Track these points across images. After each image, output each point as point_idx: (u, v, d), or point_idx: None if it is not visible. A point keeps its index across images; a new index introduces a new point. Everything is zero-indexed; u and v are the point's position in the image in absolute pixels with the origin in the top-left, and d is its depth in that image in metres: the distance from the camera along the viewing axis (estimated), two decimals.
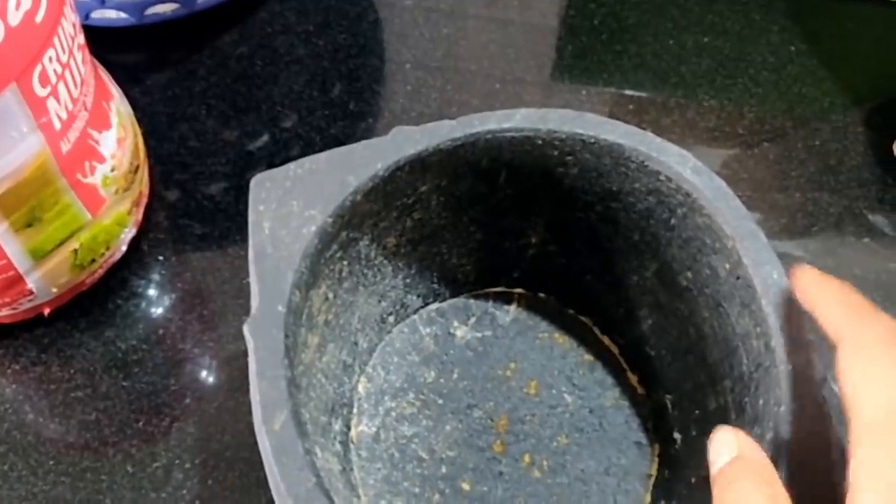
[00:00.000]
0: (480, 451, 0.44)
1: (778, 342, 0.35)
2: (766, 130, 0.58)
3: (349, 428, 0.44)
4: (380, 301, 0.45)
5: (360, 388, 0.45)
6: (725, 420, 0.39)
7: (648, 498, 0.43)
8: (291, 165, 0.38)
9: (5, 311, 0.46)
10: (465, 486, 0.43)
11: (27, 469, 0.45)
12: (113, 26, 0.56)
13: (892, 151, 0.56)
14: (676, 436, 0.43)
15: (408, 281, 0.46)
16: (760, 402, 0.36)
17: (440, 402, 0.45)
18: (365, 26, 0.61)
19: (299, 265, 0.36)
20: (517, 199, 0.44)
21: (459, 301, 0.48)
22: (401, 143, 0.39)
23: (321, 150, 0.55)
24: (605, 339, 0.47)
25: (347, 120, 0.57)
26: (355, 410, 0.45)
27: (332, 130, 0.56)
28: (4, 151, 0.39)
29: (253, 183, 0.38)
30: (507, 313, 0.48)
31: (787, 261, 0.37)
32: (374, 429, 0.44)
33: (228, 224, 0.52)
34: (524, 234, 0.46)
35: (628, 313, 0.46)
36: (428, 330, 0.47)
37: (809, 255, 0.54)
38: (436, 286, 0.47)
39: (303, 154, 0.55)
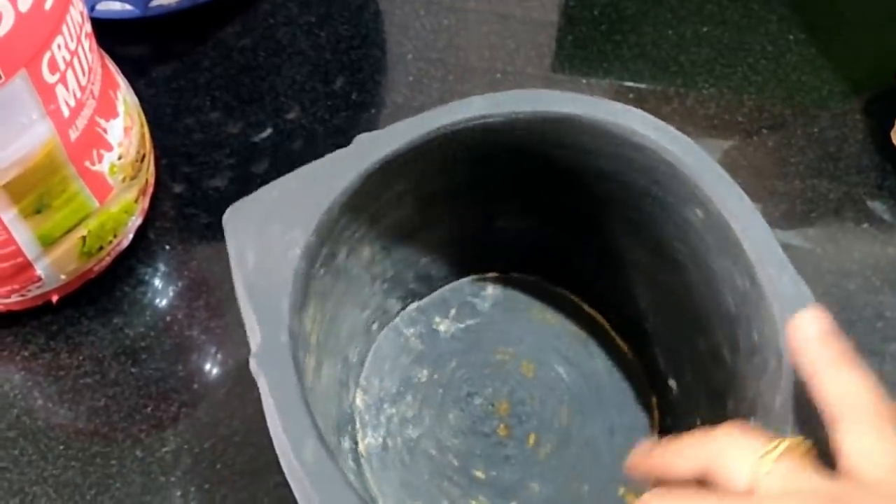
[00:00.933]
0: (486, 437, 0.45)
1: (763, 274, 0.36)
2: (766, 118, 0.59)
3: (357, 443, 0.44)
4: (362, 311, 0.45)
5: (359, 401, 0.45)
6: (719, 356, 0.40)
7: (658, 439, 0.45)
8: (262, 191, 0.38)
9: (14, 298, 0.47)
10: (479, 475, 0.44)
11: (37, 454, 0.45)
12: (118, 18, 0.57)
13: (891, 138, 0.57)
14: (671, 383, 0.44)
15: (386, 286, 0.46)
16: (755, 333, 0.37)
17: (439, 397, 0.46)
18: (366, 18, 0.62)
19: (292, 290, 0.35)
20: (488, 187, 0.44)
21: (437, 296, 0.48)
22: (366, 150, 0.38)
23: (325, 141, 0.56)
24: (593, 312, 0.48)
25: (350, 111, 0.57)
26: (358, 425, 0.45)
27: (336, 121, 0.57)
28: (14, 138, 0.40)
29: (226, 217, 0.37)
30: (484, 299, 0.48)
31: (788, 250, 0.37)
32: (380, 439, 0.44)
33: None
34: (497, 219, 0.46)
35: (614, 284, 0.46)
36: (412, 330, 0.47)
37: (809, 241, 0.54)
38: (413, 286, 0.47)
39: (306, 145, 0.56)
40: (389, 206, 0.41)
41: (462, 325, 0.48)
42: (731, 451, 0.31)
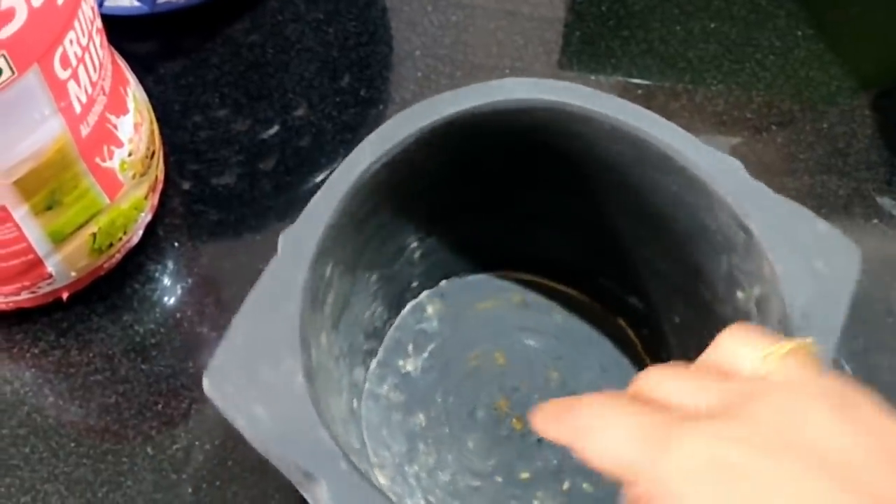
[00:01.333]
0: (509, 439, 0.45)
1: (745, 212, 0.37)
2: (774, 115, 0.59)
3: None
4: (340, 396, 0.43)
5: (382, 479, 0.44)
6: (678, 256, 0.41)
7: (644, 353, 0.47)
8: (223, 347, 0.34)
9: (25, 295, 0.46)
10: (525, 475, 0.44)
11: (48, 451, 0.45)
12: (126, 15, 0.56)
13: None
14: (634, 301, 0.46)
15: (346, 361, 0.43)
16: (752, 266, 0.37)
17: (447, 432, 0.45)
18: (374, 14, 0.62)
19: (318, 417, 0.32)
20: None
21: (388, 342, 0.47)
22: (292, 252, 0.36)
23: (333, 139, 0.56)
24: (530, 276, 0.49)
25: (358, 107, 0.57)
26: (395, 501, 0.44)
27: (344, 118, 0.57)
28: (26, 134, 0.40)
29: (209, 388, 0.34)
30: (430, 320, 0.48)
31: None
32: (421, 501, 0.43)
33: (244, 210, 0.53)
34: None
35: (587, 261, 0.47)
36: (385, 387, 0.46)
37: None
38: (366, 346, 0.46)
39: (314, 142, 0.56)
40: (329, 287, 0.39)
41: (425, 355, 0.47)
42: (735, 349, 0.28)
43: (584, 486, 0.43)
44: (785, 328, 0.35)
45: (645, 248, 0.44)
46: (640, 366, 0.46)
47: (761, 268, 0.37)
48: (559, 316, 0.48)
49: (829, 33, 0.62)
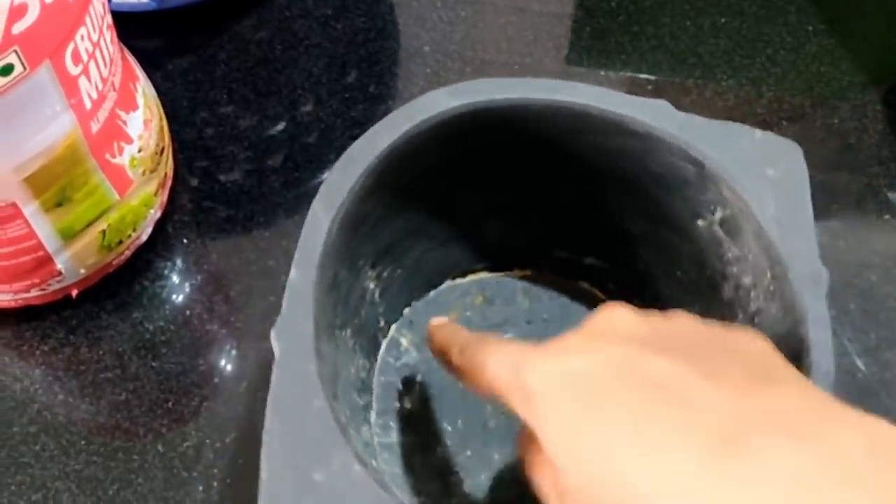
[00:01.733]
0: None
1: (726, 180, 0.37)
2: (785, 110, 0.58)
3: None
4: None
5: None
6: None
7: None
8: (267, 442, 0.32)
9: (34, 292, 0.46)
10: None
11: (59, 449, 0.45)
12: (134, 11, 0.56)
13: None
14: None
15: (354, 427, 0.41)
16: (710, 193, 0.38)
17: (468, 453, 0.44)
18: (382, 10, 0.61)
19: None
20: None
21: (377, 389, 0.45)
22: (289, 347, 0.34)
23: (342, 135, 0.56)
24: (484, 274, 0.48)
25: (367, 103, 0.57)
26: None
27: (353, 114, 0.57)
28: (37, 130, 0.39)
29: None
30: (408, 352, 0.46)
31: None
32: None
33: (252, 206, 0.53)
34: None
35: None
36: (393, 434, 0.44)
37: (830, 233, 0.54)
38: (362, 401, 0.44)
39: (321, 139, 0.56)
40: (324, 363, 0.37)
41: (417, 388, 0.46)
42: (609, 316, 0.32)
43: None
44: (762, 239, 0.37)
45: (596, 208, 0.44)
46: None
47: (721, 191, 0.38)
48: (525, 300, 0.48)
49: (840, 28, 0.62)
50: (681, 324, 0.31)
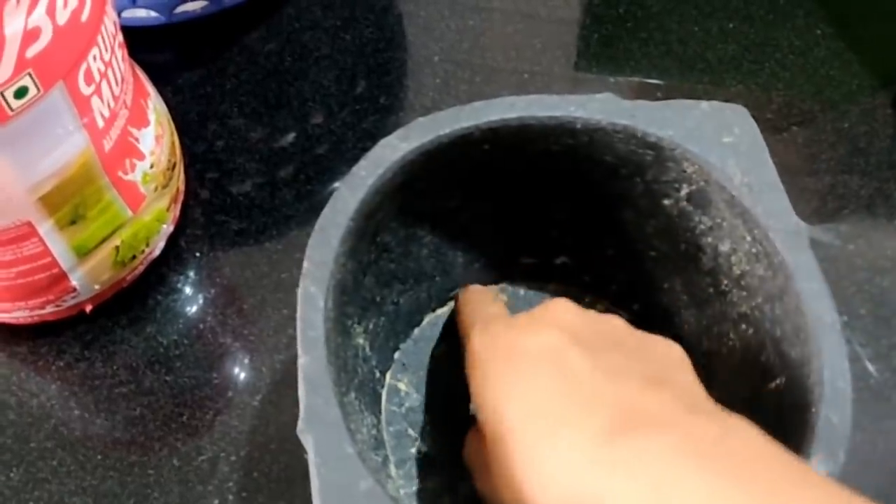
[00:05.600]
0: None
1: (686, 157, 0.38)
2: (795, 114, 0.58)
3: None
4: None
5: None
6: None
7: None
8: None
9: (49, 309, 0.47)
10: None
11: (76, 464, 0.45)
12: (143, 25, 0.57)
13: None
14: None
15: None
16: (673, 172, 0.39)
17: None
18: (391, 20, 0.62)
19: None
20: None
21: (389, 441, 0.44)
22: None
23: (353, 146, 0.56)
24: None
25: (378, 115, 0.57)
26: None
27: (364, 125, 0.57)
28: (51, 149, 0.40)
29: None
30: (409, 396, 0.46)
31: (819, 247, 0.37)
32: None
33: (265, 219, 0.53)
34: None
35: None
36: (416, 482, 0.43)
37: (841, 238, 0.54)
38: (378, 457, 0.43)
39: (332, 150, 0.56)
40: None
41: (429, 430, 0.44)
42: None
43: None
44: (735, 206, 0.38)
45: (559, 209, 0.45)
46: None
47: (682, 169, 0.39)
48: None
49: (849, 32, 0.62)
50: (611, 324, 0.37)
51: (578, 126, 0.40)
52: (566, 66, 0.60)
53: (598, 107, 0.40)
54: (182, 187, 0.52)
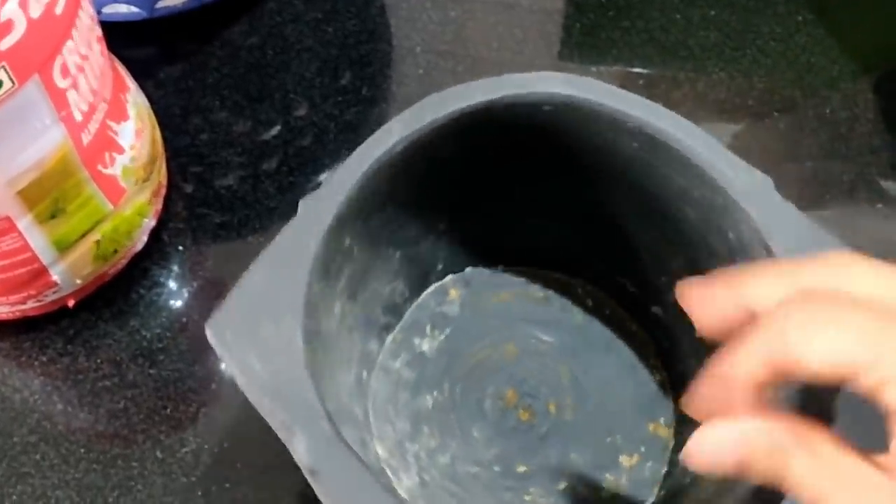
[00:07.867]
0: (514, 430, 0.45)
1: (720, 174, 0.38)
2: (776, 101, 0.58)
3: (396, 492, 0.43)
4: (350, 368, 0.43)
5: (380, 450, 0.44)
6: (696, 265, 0.41)
7: (660, 364, 0.46)
8: (233, 295, 0.35)
9: (31, 304, 0.47)
10: (522, 469, 0.44)
11: (59, 458, 0.46)
12: (124, 20, 0.56)
13: None
14: (655, 310, 0.45)
15: (360, 333, 0.44)
16: (731, 234, 0.38)
17: (452, 417, 0.45)
18: (373, 12, 0.62)
19: (311, 380, 0.33)
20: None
21: (408, 319, 0.47)
22: (312, 215, 0.36)
23: (336, 138, 0.56)
24: (559, 275, 0.48)
25: (360, 106, 0.57)
26: (390, 473, 0.43)
27: (346, 117, 0.57)
28: (28, 143, 0.40)
29: (211, 334, 0.35)
30: (452, 304, 0.48)
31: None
32: (415, 478, 0.43)
33: (247, 212, 0.53)
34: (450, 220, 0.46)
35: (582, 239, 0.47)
36: (398, 362, 0.46)
37: (823, 223, 0.54)
38: (384, 320, 0.46)
39: (315, 142, 0.56)
40: (347, 258, 0.40)
41: (442, 338, 0.47)
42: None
43: (581, 489, 0.43)
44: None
45: (665, 256, 0.44)
46: (655, 374, 0.46)
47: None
48: (579, 315, 0.47)
49: (830, 18, 0.62)
50: None
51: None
52: (549, 55, 0.60)
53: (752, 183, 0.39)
54: (164, 181, 0.52)
